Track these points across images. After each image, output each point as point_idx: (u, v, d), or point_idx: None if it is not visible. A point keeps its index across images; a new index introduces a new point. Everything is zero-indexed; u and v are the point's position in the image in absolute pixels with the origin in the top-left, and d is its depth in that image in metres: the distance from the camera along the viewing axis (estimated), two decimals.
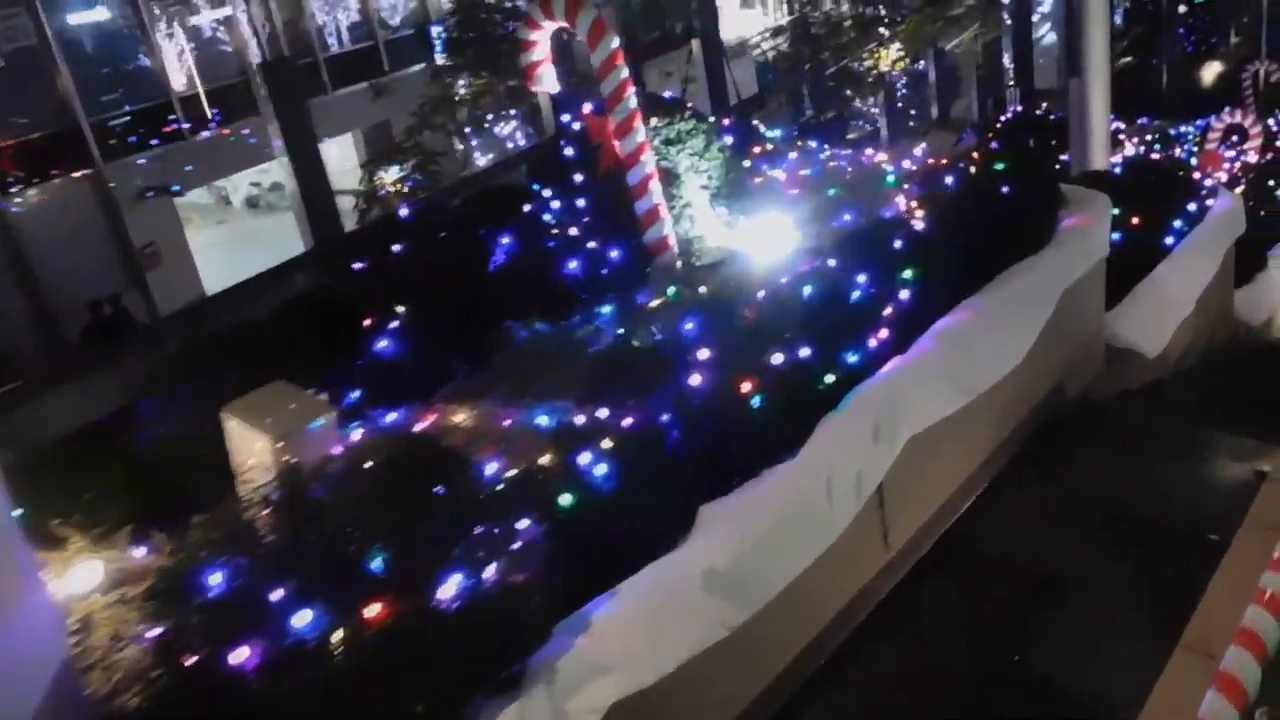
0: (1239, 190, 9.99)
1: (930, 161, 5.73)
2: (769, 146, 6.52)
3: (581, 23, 4.72)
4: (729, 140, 5.98)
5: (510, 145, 14.16)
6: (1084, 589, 3.99)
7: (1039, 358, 4.77)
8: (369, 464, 3.07)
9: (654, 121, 5.69)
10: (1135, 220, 6.81)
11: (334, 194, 14.85)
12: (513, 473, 3.31)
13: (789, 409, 3.83)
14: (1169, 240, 6.85)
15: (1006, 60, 25.98)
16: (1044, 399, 4.99)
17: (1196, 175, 7.68)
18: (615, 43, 4.77)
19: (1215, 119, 11.13)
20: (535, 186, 5.70)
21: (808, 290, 4.25)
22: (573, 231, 5.22)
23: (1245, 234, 8.53)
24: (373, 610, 2.60)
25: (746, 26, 29.57)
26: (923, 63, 21.18)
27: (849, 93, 15.78)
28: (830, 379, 3.99)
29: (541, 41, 4.98)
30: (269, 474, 3.13)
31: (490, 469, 3.27)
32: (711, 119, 6.18)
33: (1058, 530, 4.27)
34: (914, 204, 5.12)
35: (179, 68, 20.81)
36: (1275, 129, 13.58)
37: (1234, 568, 3.71)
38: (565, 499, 3.35)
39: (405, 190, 12.22)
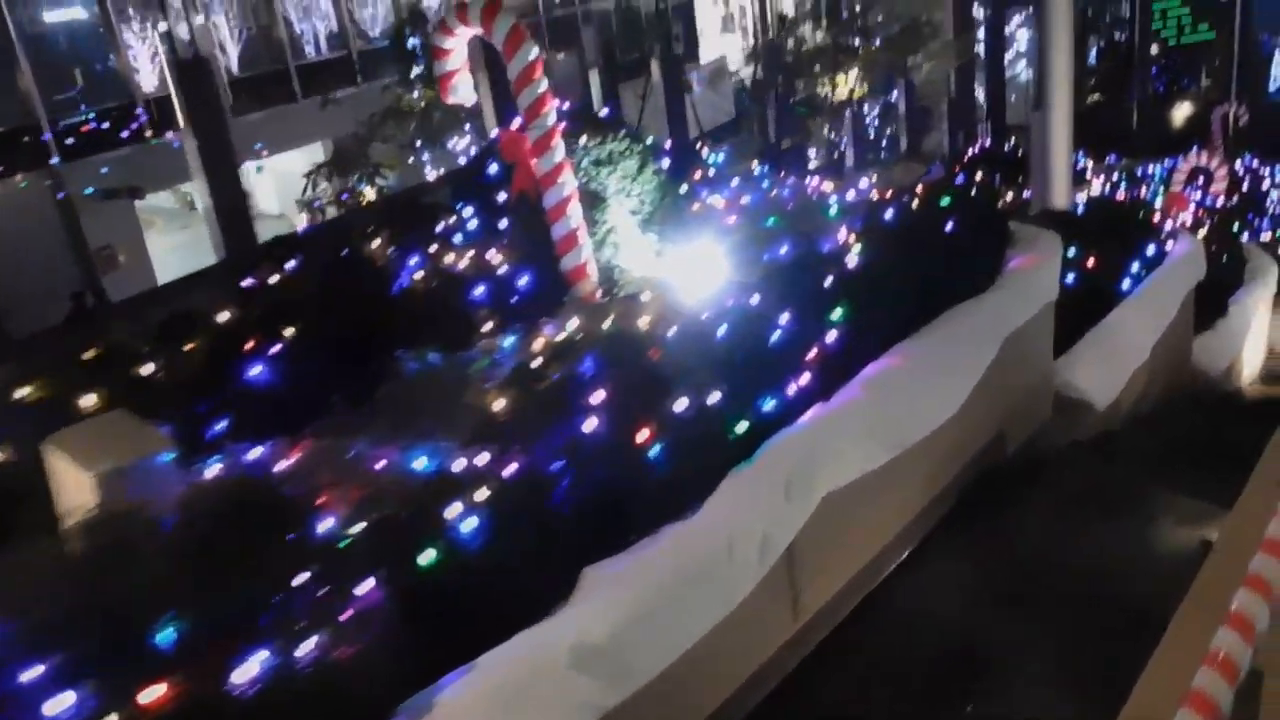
0: (1202, 233, 9.79)
1: (873, 194, 5.42)
2: (711, 172, 6.20)
3: (498, 30, 4.38)
4: (666, 164, 5.66)
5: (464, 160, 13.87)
6: (1012, 665, 3.64)
7: (977, 408, 4.44)
8: (186, 512, 2.67)
9: (584, 140, 5.37)
10: (1090, 262, 6.55)
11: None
12: (361, 526, 2.92)
13: (693, 460, 3.47)
14: (1126, 284, 6.59)
15: (980, 94, 26.04)
16: (982, 452, 4.66)
17: (1158, 217, 7.44)
18: (534, 53, 4.42)
19: (1181, 160, 10.97)
20: (457, 205, 5.33)
21: (723, 329, 3.90)
22: (489, 254, 4.85)
23: (1207, 279, 8.32)
24: (152, 695, 2.20)
25: (729, 51, 29.54)
26: (894, 93, 21.10)
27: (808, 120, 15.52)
28: (742, 427, 3.63)
29: (457, 50, 4.63)
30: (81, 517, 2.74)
31: (333, 522, 2.89)
32: (650, 140, 5.86)
33: (987, 599, 3.93)
34: (850, 238, 4.80)
35: (150, 70, 20.63)
36: (1241, 173, 13.47)
37: (1174, 649, 3.37)
38: (424, 557, 2.97)
39: (342, 202, 11.84)
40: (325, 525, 2.89)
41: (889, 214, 4.89)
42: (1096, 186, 13.52)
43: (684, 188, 5.73)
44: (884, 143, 21.21)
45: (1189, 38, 23.31)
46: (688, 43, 35.89)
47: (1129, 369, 6.07)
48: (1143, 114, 19.28)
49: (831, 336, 4.08)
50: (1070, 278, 6.40)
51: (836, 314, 4.17)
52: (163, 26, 21.17)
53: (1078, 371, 5.66)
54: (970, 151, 15.75)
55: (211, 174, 11.36)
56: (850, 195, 5.64)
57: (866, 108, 21.44)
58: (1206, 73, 21.03)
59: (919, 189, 5.19)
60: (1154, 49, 21.97)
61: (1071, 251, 6.65)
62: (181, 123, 20.05)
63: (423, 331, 4.31)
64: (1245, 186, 12.87)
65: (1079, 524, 4.33)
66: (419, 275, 4.65)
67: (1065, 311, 6.08)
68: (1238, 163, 14.03)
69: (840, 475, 3.72)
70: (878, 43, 18.85)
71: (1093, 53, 23.03)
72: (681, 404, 3.52)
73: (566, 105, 5.77)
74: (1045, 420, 5.33)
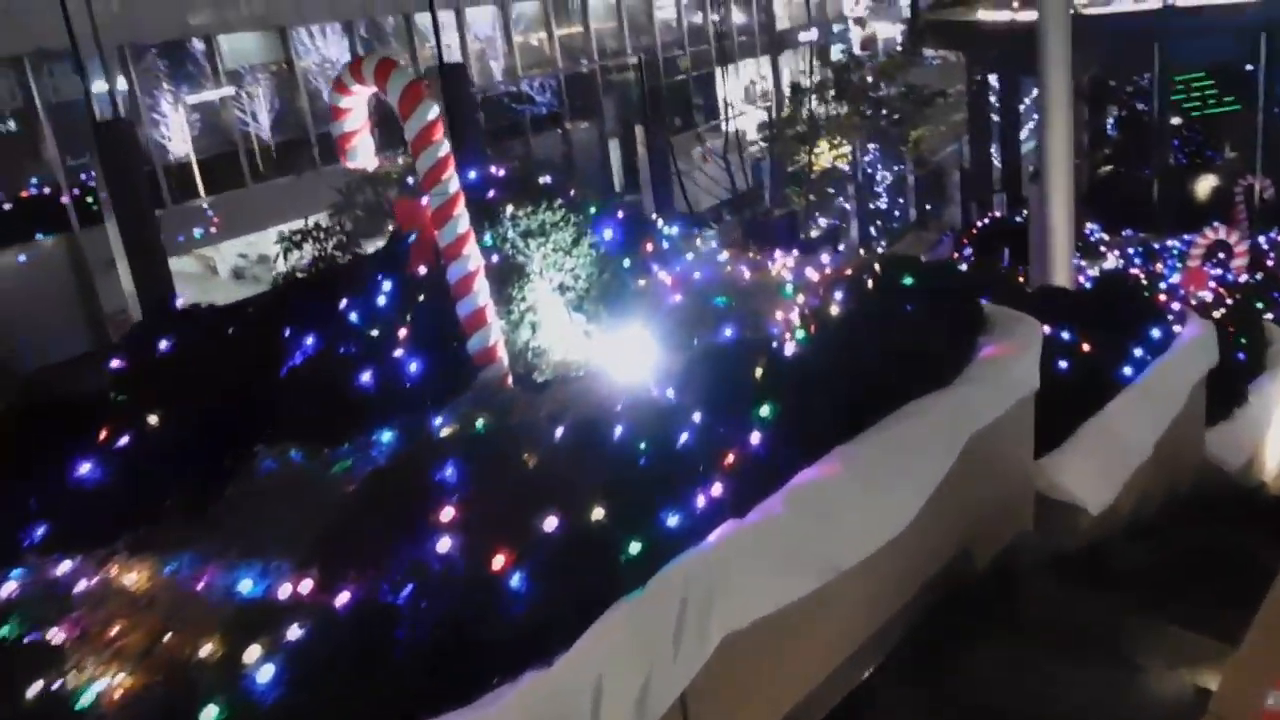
0: (1220, 313, 9.15)
1: (830, 271, 4.87)
2: (664, 244, 5.69)
3: (393, 88, 3.93)
4: (610, 234, 5.17)
5: None
6: None
7: (934, 521, 3.83)
8: None
9: (510, 210, 4.90)
10: (1086, 346, 5.95)
11: None
12: (123, 680, 2.37)
13: (569, 589, 2.90)
14: (1128, 371, 5.98)
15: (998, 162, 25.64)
16: (941, 573, 4.02)
17: (1165, 297, 6.83)
18: (433, 112, 3.97)
19: (1199, 235, 10.38)
20: (368, 279, 4.85)
21: (620, 429, 3.34)
22: (391, 335, 4.34)
23: (1225, 363, 7.67)
24: None
25: (750, 123, 29.41)
26: (905, 164, 20.74)
27: (790, 191, 14.93)
28: (634, 550, 3.05)
29: (355, 109, 4.18)
30: None
31: (83, 676, 2.34)
32: (593, 209, 5.39)
33: None
34: (790, 323, 4.26)
35: (175, 139, 21.04)
36: (1265, 246, 12.82)
37: None
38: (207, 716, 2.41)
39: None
40: (79, 679, 2.35)
41: (839, 295, 4.35)
42: (1111, 261, 12.92)
43: (627, 262, 5.22)
44: (895, 213, 20.74)
45: (1213, 109, 22.84)
46: (708, 112, 35.97)
47: (1128, 468, 5.42)
48: (1164, 187, 18.71)
49: (756, 438, 3.51)
50: (1064, 364, 5.83)
51: (766, 411, 3.61)
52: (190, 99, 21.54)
53: (1067, 472, 5.03)
54: (981, 223, 15.23)
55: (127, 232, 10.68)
56: (812, 273, 5.10)
57: (877, 177, 21.07)
58: (1231, 145, 20.46)
59: (877, 267, 4.63)
60: (1177, 120, 21.50)
61: (1066, 334, 6.09)
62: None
63: (302, 422, 3.81)
64: (1271, 262, 12.22)
65: (1053, 665, 3.66)
66: (308, 358, 4.15)
67: (1057, 403, 5.47)
68: (1261, 238, 13.41)
69: (751, 609, 3.11)
70: (884, 112, 18.58)
71: (1110, 123, 22.59)
72: (557, 519, 2.96)
73: (502, 172, 5.35)
74: (1025, 530, 4.69)
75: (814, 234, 16.56)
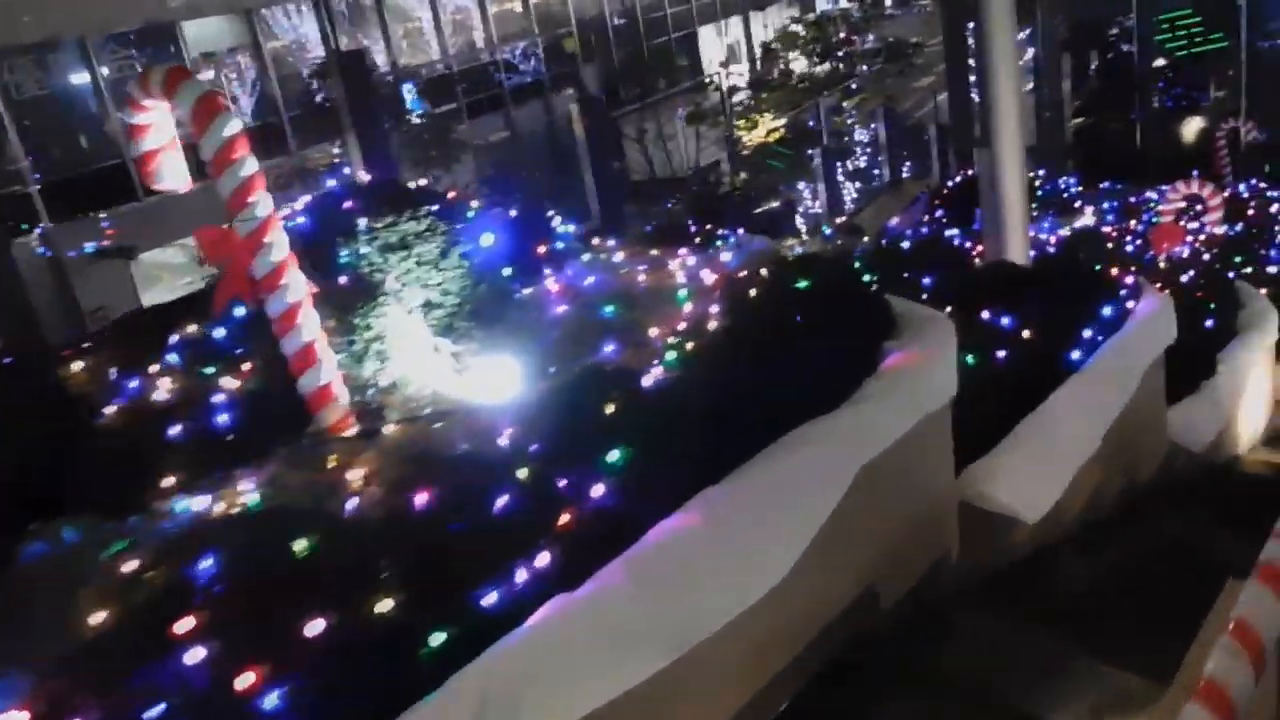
0: (1191, 273, 8.63)
1: (720, 277, 4.35)
2: (559, 247, 5.19)
3: (183, 101, 3.43)
4: (490, 241, 4.68)
5: None
6: None
7: (825, 562, 3.37)
8: None
9: (363, 222, 4.42)
10: (1028, 334, 5.46)
11: None
12: None
13: (349, 696, 2.46)
14: (1077, 355, 5.49)
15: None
16: (839, 619, 3.56)
17: (1120, 269, 6.31)
18: (233, 127, 3.46)
19: (1171, 189, 9.80)
20: (200, 317, 4.37)
21: (433, 490, 2.88)
22: (216, 380, 3.87)
23: (1193, 332, 7.18)
24: None
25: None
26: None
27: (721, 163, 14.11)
28: (438, 641, 2.61)
29: (156, 126, 3.68)
30: None
31: None
32: (472, 213, 4.90)
33: None
34: (666, 341, 3.77)
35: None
36: (1246, 195, 12.21)
37: None
38: None
39: None
40: None
41: (717, 308, 3.86)
42: (1088, 217, 12.33)
43: (508, 272, 4.73)
44: (874, 174, 20.01)
45: (1200, 47, 22.01)
46: (693, 76, 35.03)
47: (1073, 466, 4.95)
48: (1147, 134, 18.00)
49: (601, 491, 3.05)
50: (1003, 354, 5.35)
51: (615, 457, 3.14)
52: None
53: (999, 479, 4.56)
54: (952, 181, 14.58)
55: None
56: (709, 275, 4.59)
57: (855, 137, 20.38)
58: (1217, 85, 19.70)
59: (763, 271, 4.13)
60: (1160, 61, 20.71)
61: (1007, 319, 5.60)
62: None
63: (94, 486, 3.36)
64: (1252, 212, 11.62)
65: None
66: (113, 409, 3.68)
67: (993, 399, 5.02)
68: (1242, 185, 12.80)
69: (575, 703, 2.66)
70: (862, 68, 17.87)
71: (1091, 70, 21.79)
72: (332, 617, 2.51)
73: (358, 172, 4.85)
74: (945, 555, 4.23)
75: (775, 206, 15.91)
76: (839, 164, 18.97)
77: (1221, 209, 9.84)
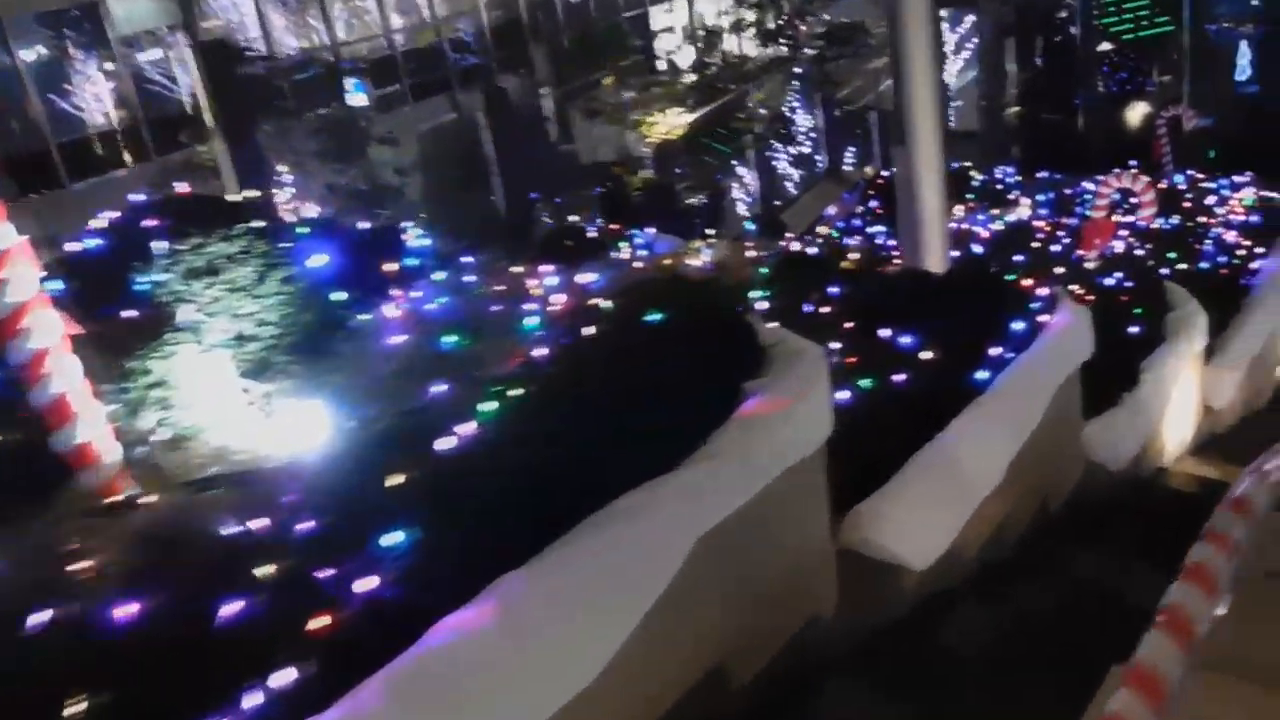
0: (1118, 275, 8.29)
1: (572, 303, 3.87)
2: (410, 266, 4.68)
3: None
4: (323, 261, 4.16)
5: None
6: None
7: (651, 653, 2.92)
8: None
9: (161, 245, 3.90)
10: (928, 354, 5.05)
11: None
12: None
13: None
14: (985, 375, 5.09)
15: None
16: (673, 711, 3.11)
17: (1033, 279, 5.91)
18: None
19: (1102, 182, 9.46)
20: None
21: (134, 603, 2.38)
22: None
23: (1116, 339, 6.84)
24: None
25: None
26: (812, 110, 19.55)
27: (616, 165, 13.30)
28: None
29: None
30: None
31: None
32: (304, 228, 4.38)
33: None
34: (487, 386, 3.28)
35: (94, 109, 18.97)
36: (1184, 186, 11.93)
37: None
38: None
39: None
40: None
41: (545, 351, 3.37)
42: (1025, 208, 12.00)
43: (343, 296, 4.21)
44: (815, 162, 19.52)
45: (1146, 30, 21.79)
46: (647, 56, 34.24)
47: (971, 503, 4.54)
48: (1090, 121, 17.70)
49: (373, 586, 2.57)
50: (903, 377, 4.93)
51: (398, 539, 2.66)
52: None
53: (885, 523, 4.14)
54: (886, 171, 14.17)
55: None
56: (560, 299, 4.10)
57: (797, 124, 19.89)
58: (1161, 70, 19.44)
59: (608, 303, 3.65)
60: (1104, 45, 20.41)
61: (908, 338, 5.19)
62: None
63: None
64: (1188, 204, 11.33)
65: None
66: None
67: (887, 432, 4.61)
68: (1180, 176, 12.52)
69: None
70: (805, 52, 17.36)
71: (1037, 57, 21.41)
72: None
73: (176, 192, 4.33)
74: (818, 617, 3.80)
75: (701, 200, 15.24)
76: (778, 152, 18.45)
77: (1154, 204, 9.52)
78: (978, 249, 9.06)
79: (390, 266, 4.54)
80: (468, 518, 2.79)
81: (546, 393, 3.18)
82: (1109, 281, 7.75)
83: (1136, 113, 17.93)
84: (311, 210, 10.05)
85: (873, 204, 13.28)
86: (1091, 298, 6.75)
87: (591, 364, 3.31)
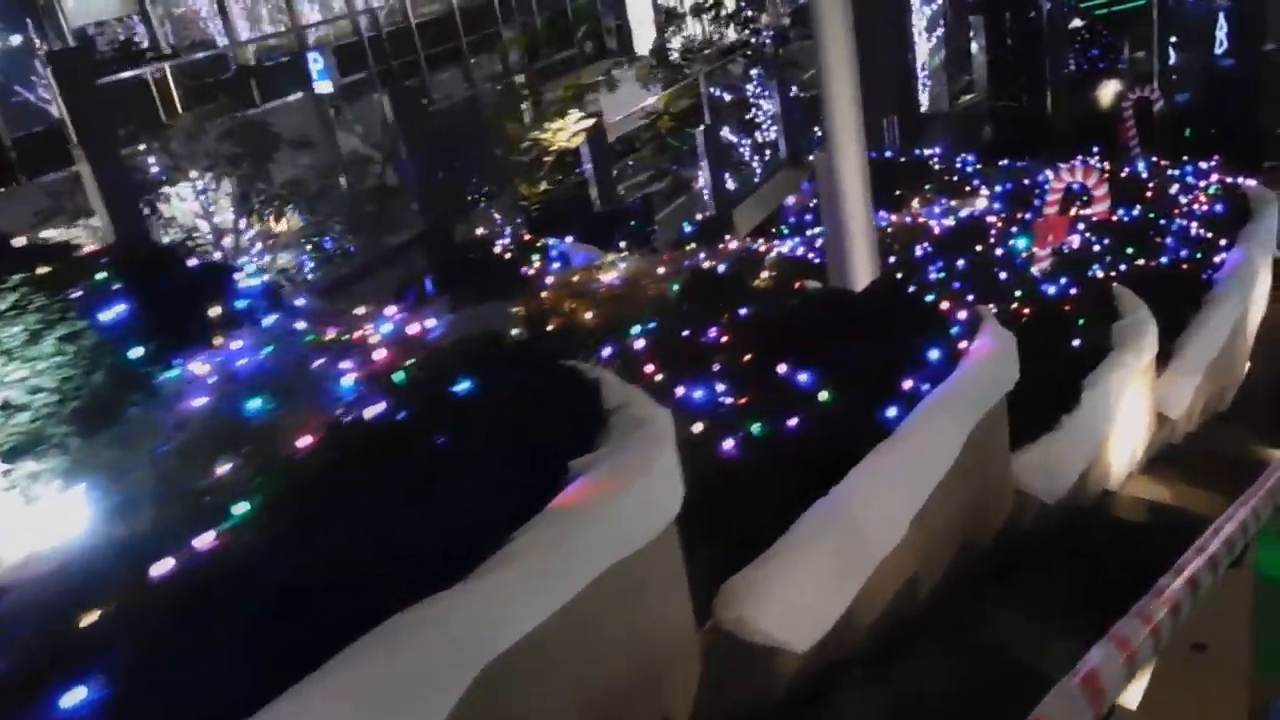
0: (1066, 279, 7.80)
1: (386, 360, 3.36)
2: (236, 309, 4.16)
3: None
4: (120, 312, 3.66)
5: None
6: None
7: None
8: None
9: None
10: (827, 395, 4.58)
11: None
12: None
13: None
14: (894, 413, 4.62)
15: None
16: None
17: (951, 302, 5.42)
18: None
19: (1055, 175, 8.95)
20: None
21: None
22: None
23: (1056, 353, 6.40)
24: None
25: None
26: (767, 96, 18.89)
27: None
28: None
29: None
30: None
31: None
32: (105, 274, 3.88)
33: None
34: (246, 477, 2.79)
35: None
36: (1145, 175, 11.41)
37: None
38: None
39: None
40: None
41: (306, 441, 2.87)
42: (983, 199, 11.47)
43: (141, 353, 3.70)
44: (781, 145, 18.81)
45: (1118, 6, 21.20)
46: (621, 40, 33.37)
47: (867, 565, 4.08)
48: (1058, 102, 17.12)
49: None
50: (800, 421, 4.46)
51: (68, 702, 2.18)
52: None
53: (762, 601, 3.67)
54: None
55: None
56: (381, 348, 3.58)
57: (762, 110, 19.28)
58: (1133, 47, 18.84)
59: (400, 375, 3.14)
60: (1076, 23, 19.81)
61: (806, 377, 4.71)
62: None
63: None
64: (1150, 193, 10.82)
65: None
66: None
67: (777, 487, 4.15)
68: (1141, 164, 11.99)
69: None
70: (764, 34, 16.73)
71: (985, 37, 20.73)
72: None
73: None
74: (669, 718, 3.33)
75: (637, 199, 14.39)
76: (735, 141, 17.77)
77: (1107, 199, 9.01)
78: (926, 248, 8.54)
79: (211, 312, 4.03)
80: (192, 655, 2.31)
81: (315, 486, 2.69)
82: (1053, 289, 7.26)
83: (1108, 92, 17.36)
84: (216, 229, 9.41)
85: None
86: (1026, 312, 6.26)
87: (369, 445, 2.82)
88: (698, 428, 4.26)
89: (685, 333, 5.33)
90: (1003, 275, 7.80)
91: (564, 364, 3.43)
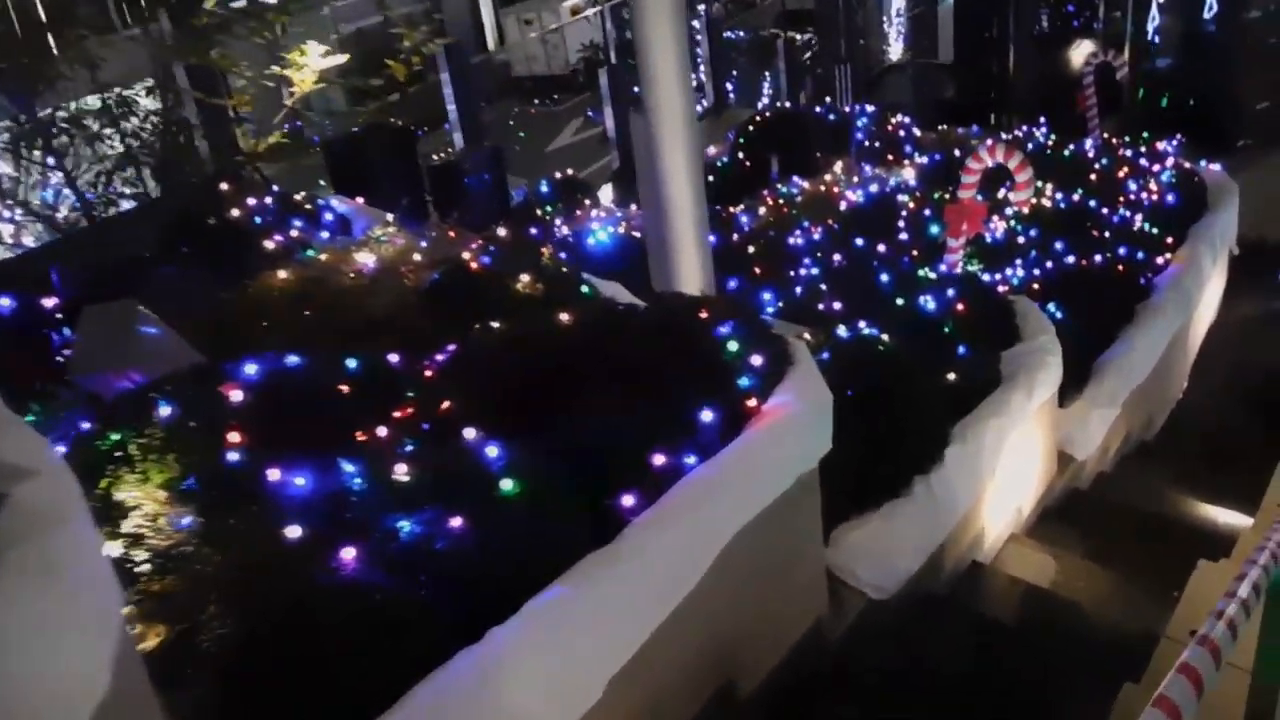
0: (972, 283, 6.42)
1: None
2: None
3: None
4: None
5: None
6: None
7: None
8: None
9: None
10: (512, 486, 3.19)
11: None
12: None
13: None
14: (630, 502, 3.23)
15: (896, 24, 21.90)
16: None
17: (759, 331, 3.99)
18: None
19: (973, 156, 7.51)
20: None
21: None
22: None
23: (925, 401, 5.09)
24: None
25: None
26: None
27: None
28: None
29: None
30: None
31: None
32: None
33: None
34: None
35: None
36: (1092, 152, 9.94)
37: None
38: None
39: None
40: None
41: None
42: (909, 171, 10.00)
43: None
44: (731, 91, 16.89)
45: None
46: None
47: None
48: (1022, 64, 15.46)
49: None
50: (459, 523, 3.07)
51: None
52: None
53: None
54: (759, 115, 12.01)
55: None
56: None
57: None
58: (1109, 5, 17.09)
59: None
60: None
61: (494, 452, 3.31)
62: None
63: None
64: (1095, 175, 9.40)
65: None
66: None
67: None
68: (1089, 141, 10.51)
69: None
70: None
71: None
72: None
73: None
74: None
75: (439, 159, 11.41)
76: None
77: (1029, 185, 7.56)
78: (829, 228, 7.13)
79: None
80: None
81: None
82: (937, 302, 5.86)
83: (1080, 54, 15.71)
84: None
85: (740, 155, 11.25)
86: (886, 338, 4.88)
87: None
88: (297, 531, 2.86)
89: (395, 359, 3.93)
90: (884, 277, 6.38)
91: None
